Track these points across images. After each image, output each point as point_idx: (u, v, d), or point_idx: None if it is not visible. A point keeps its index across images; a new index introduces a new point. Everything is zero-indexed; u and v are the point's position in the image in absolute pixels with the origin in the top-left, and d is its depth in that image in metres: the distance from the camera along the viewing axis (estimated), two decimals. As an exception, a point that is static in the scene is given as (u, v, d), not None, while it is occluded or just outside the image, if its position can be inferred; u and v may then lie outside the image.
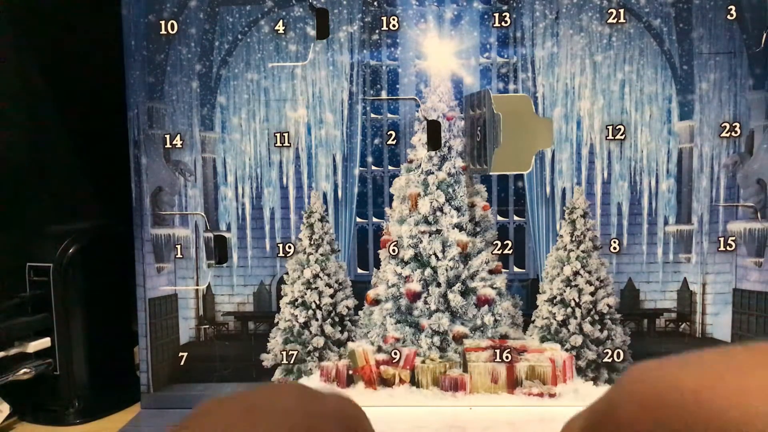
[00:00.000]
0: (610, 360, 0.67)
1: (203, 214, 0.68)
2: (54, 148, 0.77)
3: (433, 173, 0.67)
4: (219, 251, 0.68)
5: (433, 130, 0.67)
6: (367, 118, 0.68)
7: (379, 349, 0.68)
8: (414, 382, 0.67)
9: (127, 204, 0.68)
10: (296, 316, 0.68)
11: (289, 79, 0.67)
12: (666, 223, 0.66)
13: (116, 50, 0.67)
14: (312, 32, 0.67)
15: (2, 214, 0.70)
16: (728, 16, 0.64)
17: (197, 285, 0.68)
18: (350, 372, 0.68)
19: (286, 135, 0.67)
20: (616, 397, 0.22)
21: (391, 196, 0.68)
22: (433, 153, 0.67)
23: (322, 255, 0.68)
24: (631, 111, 0.66)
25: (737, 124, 0.65)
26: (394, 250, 0.68)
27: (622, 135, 0.66)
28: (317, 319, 0.68)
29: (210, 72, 0.67)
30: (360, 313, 0.68)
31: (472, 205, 0.68)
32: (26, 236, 0.68)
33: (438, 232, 0.67)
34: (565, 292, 0.67)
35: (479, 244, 0.68)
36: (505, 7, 0.66)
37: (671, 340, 0.67)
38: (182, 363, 0.68)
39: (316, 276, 0.68)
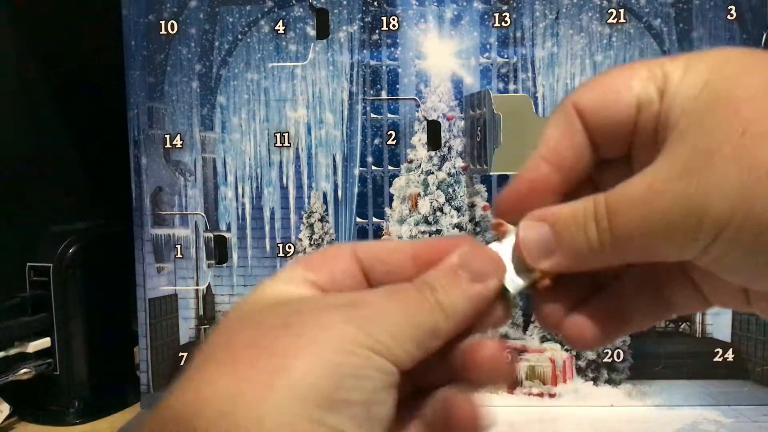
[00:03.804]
0: (610, 360, 0.67)
1: (203, 214, 0.68)
2: (54, 148, 0.77)
3: (433, 173, 0.67)
4: (219, 251, 0.68)
5: (433, 130, 0.67)
6: (367, 118, 0.67)
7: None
8: (414, 382, 0.67)
9: (127, 204, 0.68)
10: (296, 316, 0.68)
11: (289, 79, 0.67)
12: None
13: (116, 50, 0.67)
14: (312, 32, 0.67)
15: (2, 214, 0.70)
16: (728, 16, 0.64)
17: (197, 285, 0.68)
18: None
19: (286, 135, 0.67)
20: None
21: (391, 196, 0.68)
22: (433, 153, 0.67)
23: (322, 255, 0.68)
24: (631, 111, 0.66)
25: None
26: (394, 250, 0.68)
27: (622, 135, 0.66)
28: (317, 319, 0.68)
29: (210, 72, 0.67)
30: (360, 313, 0.68)
31: (472, 205, 0.68)
32: (26, 236, 0.68)
33: (438, 232, 0.67)
34: (565, 292, 0.67)
35: (479, 244, 0.67)
36: (505, 7, 0.66)
37: (671, 341, 0.67)
38: (182, 363, 0.68)
39: (316, 276, 0.68)
